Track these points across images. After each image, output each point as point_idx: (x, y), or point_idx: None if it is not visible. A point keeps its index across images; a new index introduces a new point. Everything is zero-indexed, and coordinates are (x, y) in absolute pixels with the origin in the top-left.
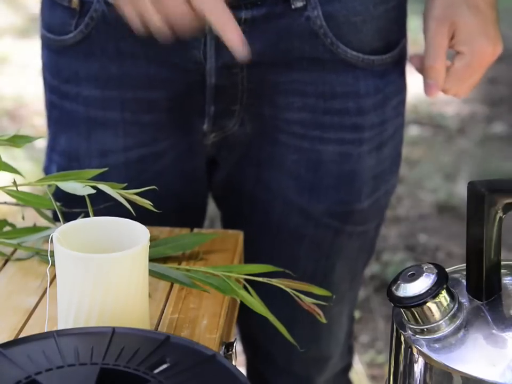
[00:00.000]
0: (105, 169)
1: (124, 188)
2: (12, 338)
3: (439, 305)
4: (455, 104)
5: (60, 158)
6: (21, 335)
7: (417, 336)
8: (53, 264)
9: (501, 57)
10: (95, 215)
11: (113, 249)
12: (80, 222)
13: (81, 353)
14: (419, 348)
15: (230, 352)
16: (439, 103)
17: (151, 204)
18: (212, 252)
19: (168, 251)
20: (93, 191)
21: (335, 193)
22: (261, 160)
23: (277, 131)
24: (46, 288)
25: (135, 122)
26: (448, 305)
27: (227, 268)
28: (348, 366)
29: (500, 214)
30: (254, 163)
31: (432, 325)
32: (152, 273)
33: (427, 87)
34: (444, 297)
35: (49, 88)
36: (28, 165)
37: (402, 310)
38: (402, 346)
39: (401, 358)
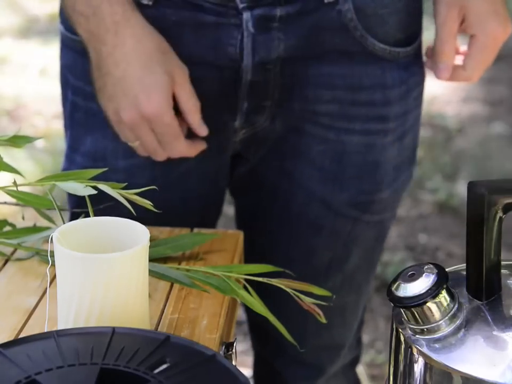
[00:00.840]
0: (105, 169)
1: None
2: (12, 338)
3: (439, 305)
4: (455, 104)
5: (83, 159)
6: (21, 335)
7: (417, 336)
8: (53, 264)
9: (501, 57)
10: (95, 215)
11: (113, 249)
12: (80, 222)
13: (81, 353)
14: (419, 348)
15: (230, 352)
16: (439, 103)
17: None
18: (211, 252)
19: (168, 251)
20: (94, 191)
21: (358, 183)
22: (285, 150)
23: (304, 122)
24: (46, 288)
25: None
26: (448, 305)
27: (227, 267)
28: (356, 358)
29: (499, 214)
30: (279, 154)
31: (432, 325)
32: (152, 273)
33: (438, 71)
34: (443, 297)
35: (72, 90)
36: (28, 165)
37: (402, 310)
38: (402, 346)
39: (401, 358)
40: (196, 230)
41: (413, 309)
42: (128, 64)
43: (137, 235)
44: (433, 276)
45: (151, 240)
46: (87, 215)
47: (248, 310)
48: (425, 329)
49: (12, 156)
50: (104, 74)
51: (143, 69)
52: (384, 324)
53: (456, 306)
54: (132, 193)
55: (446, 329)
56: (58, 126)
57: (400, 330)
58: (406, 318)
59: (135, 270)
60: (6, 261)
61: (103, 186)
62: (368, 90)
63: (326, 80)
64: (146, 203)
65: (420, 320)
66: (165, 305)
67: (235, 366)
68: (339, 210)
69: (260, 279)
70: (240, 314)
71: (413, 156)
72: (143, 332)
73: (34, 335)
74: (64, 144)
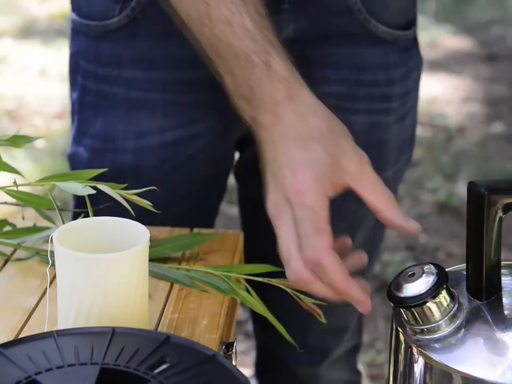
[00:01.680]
0: (105, 169)
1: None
2: (12, 338)
3: (439, 305)
4: (455, 104)
5: (92, 141)
6: (21, 335)
7: (417, 336)
8: (53, 264)
9: (501, 57)
10: (96, 215)
11: (113, 249)
12: (80, 222)
13: (81, 353)
14: (419, 348)
15: (230, 352)
16: (439, 103)
17: (154, 201)
18: (211, 252)
19: (168, 251)
20: (93, 191)
21: None
22: None
23: None
24: (46, 288)
25: (175, 103)
26: (448, 305)
27: (227, 267)
28: (357, 346)
29: (499, 214)
30: None
31: (432, 325)
32: (152, 273)
33: None
34: (443, 297)
35: (83, 74)
36: (28, 165)
37: (402, 310)
38: (402, 346)
39: (401, 358)
40: (195, 230)
41: (413, 309)
42: (283, 141)
43: (137, 235)
44: (433, 276)
45: (151, 240)
46: (87, 215)
47: None
48: (425, 329)
49: (12, 155)
50: (264, 164)
51: (297, 144)
52: (384, 323)
53: (456, 306)
54: (131, 194)
55: (446, 329)
56: (58, 126)
57: (400, 330)
58: (406, 318)
59: (135, 270)
60: (6, 261)
61: (103, 187)
62: (372, 71)
63: (333, 60)
64: (146, 203)
65: (420, 320)
66: (165, 305)
67: (235, 366)
68: (345, 191)
69: (260, 279)
70: (240, 314)
71: (413, 137)
72: (143, 332)
73: (34, 335)
74: (69, 135)
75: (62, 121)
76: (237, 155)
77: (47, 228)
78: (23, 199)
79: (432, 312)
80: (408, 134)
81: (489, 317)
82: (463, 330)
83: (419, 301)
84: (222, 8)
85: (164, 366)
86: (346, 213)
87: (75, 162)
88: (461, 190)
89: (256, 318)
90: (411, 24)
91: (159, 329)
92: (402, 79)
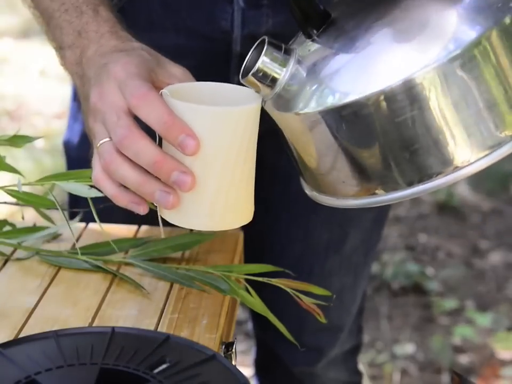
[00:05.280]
0: None
1: None
2: (11, 338)
3: (268, 59)
4: None
5: (82, 126)
6: (21, 335)
7: (267, 98)
8: (53, 264)
9: None
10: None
11: None
12: (188, 84)
13: (81, 353)
14: (275, 109)
15: (230, 352)
16: None
17: None
18: (211, 252)
19: (168, 251)
20: (100, 194)
21: None
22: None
23: None
24: (46, 288)
25: None
26: (277, 54)
27: (227, 267)
28: (356, 347)
29: None
30: (274, 133)
31: (272, 78)
32: (152, 273)
33: None
34: (269, 52)
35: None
36: (28, 165)
37: (250, 79)
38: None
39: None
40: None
41: (251, 75)
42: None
43: (246, 99)
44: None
45: (150, 240)
46: (88, 214)
47: None
48: (269, 86)
49: (12, 155)
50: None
51: (118, 57)
52: (384, 323)
53: (287, 53)
54: None
55: (286, 77)
56: (58, 126)
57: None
58: (255, 84)
59: (248, 129)
60: (6, 261)
61: None
62: None
63: None
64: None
65: (262, 80)
66: (164, 305)
67: (235, 366)
68: None
69: (260, 279)
70: (240, 314)
71: None
72: (143, 332)
73: (34, 335)
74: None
75: (62, 121)
76: None
77: (47, 228)
78: (23, 199)
79: (267, 67)
80: None
81: (323, 44)
82: (300, 70)
83: (254, 63)
84: None
85: (164, 366)
86: (336, 211)
87: (68, 148)
88: (461, 190)
89: (255, 316)
90: None
91: (158, 329)
92: None
